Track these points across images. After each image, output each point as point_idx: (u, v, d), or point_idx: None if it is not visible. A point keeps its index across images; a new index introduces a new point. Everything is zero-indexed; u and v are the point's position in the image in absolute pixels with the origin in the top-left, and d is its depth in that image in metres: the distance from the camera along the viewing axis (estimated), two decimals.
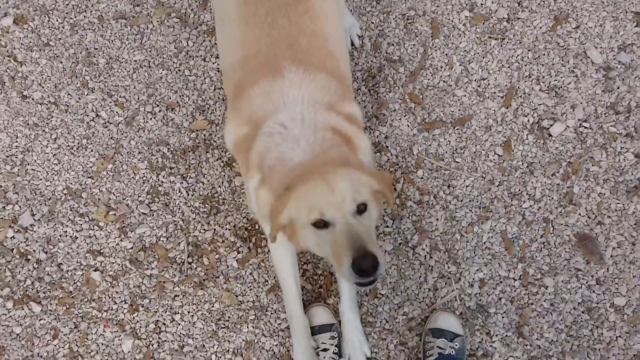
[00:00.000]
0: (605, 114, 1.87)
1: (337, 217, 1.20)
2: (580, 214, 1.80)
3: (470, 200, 1.83)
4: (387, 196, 1.33)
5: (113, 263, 1.82)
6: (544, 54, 1.93)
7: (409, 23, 1.99)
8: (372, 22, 2.00)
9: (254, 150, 1.38)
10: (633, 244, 1.77)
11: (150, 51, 2.01)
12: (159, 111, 1.95)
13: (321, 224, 1.22)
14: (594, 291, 1.75)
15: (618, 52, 1.92)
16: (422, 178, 1.85)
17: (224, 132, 1.51)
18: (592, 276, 1.76)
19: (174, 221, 1.84)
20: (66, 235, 1.84)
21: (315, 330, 1.67)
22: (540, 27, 1.96)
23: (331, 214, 1.21)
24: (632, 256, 1.77)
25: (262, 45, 1.43)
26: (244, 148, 1.42)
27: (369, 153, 1.48)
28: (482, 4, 2.00)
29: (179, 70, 1.99)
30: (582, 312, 1.74)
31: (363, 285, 1.24)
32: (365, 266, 1.16)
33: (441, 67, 1.94)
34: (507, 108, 1.89)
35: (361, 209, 1.23)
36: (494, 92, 1.91)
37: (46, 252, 1.84)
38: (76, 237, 1.84)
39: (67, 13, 2.06)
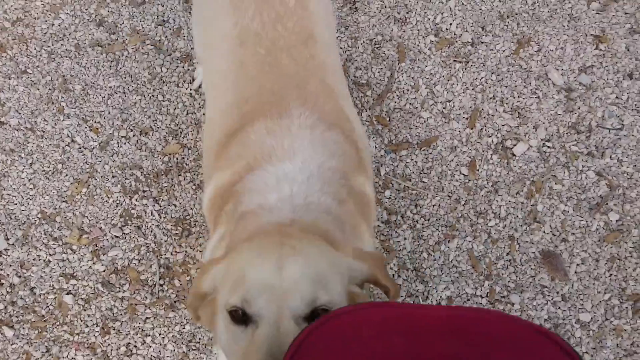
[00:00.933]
0: (567, 133, 1.93)
1: (266, 315, 0.79)
2: (544, 232, 1.84)
3: (437, 219, 1.87)
4: (382, 284, 0.94)
5: (85, 286, 1.84)
6: (507, 77, 2.00)
7: (376, 48, 2.05)
8: (341, 47, 2.06)
9: (236, 197, 1.08)
10: (597, 260, 1.81)
11: (124, 77, 2.06)
12: (133, 136, 1.99)
13: (240, 316, 0.81)
14: (559, 307, 1.78)
15: (579, 73, 1.99)
16: (389, 198, 1.89)
17: (202, 198, 1.26)
18: (558, 292, 1.79)
19: (146, 244, 1.87)
20: (39, 259, 1.87)
21: None
22: (504, 51, 2.03)
23: (260, 307, 0.80)
24: (596, 272, 1.80)
25: (263, 84, 1.23)
26: (220, 202, 1.12)
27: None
28: (447, 29, 2.06)
29: (153, 95, 2.04)
30: (549, 329, 1.76)
31: None
32: None
33: (407, 90, 2.00)
34: (471, 129, 1.94)
35: (319, 313, 0.80)
36: (459, 114, 1.96)
37: (20, 276, 1.86)
38: (49, 261, 1.86)
39: (44, 41, 2.12)
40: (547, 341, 0.64)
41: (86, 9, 2.15)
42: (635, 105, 1.93)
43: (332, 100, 1.26)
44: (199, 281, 0.92)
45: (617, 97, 1.94)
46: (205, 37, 1.50)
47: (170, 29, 2.12)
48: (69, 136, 2.00)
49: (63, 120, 2.02)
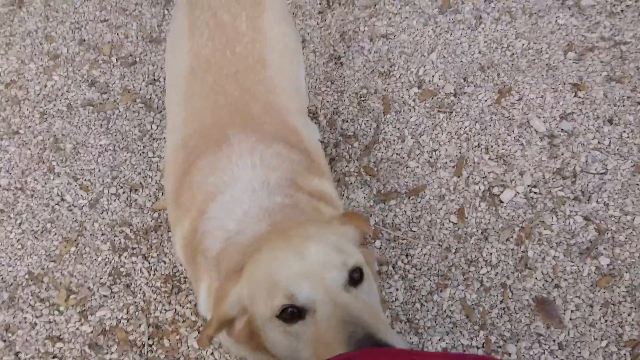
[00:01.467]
0: (552, 179, 1.95)
1: (317, 297, 0.82)
2: (536, 278, 1.83)
3: (428, 269, 1.86)
4: (365, 227, 1.01)
5: (72, 349, 1.79)
6: (490, 125, 2.04)
7: (362, 100, 2.11)
8: (327, 101, 2.11)
9: (201, 247, 1.08)
10: (591, 306, 1.79)
11: (115, 135, 2.09)
12: (123, 193, 2.00)
13: (294, 314, 0.83)
14: (556, 356, 1.75)
15: (560, 120, 2.03)
16: (380, 248, 1.89)
17: (174, 244, 1.26)
18: (554, 341, 1.76)
19: (135, 302, 1.84)
20: (26, 322, 1.83)
21: None
22: (486, 100, 2.08)
23: (307, 294, 0.82)
24: (591, 318, 1.78)
25: (208, 116, 1.23)
26: (191, 250, 1.12)
27: None
28: (429, 81, 2.13)
29: (143, 152, 2.06)
30: None
31: None
32: None
33: (394, 141, 2.03)
34: (458, 177, 1.97)
35: (355, 277, 0.86)
36: (446, 162, 1.99)
37: (4, 341, 1.81)
38: (36, 324, 1.82)
39: (37, 102, 2.16)
40: None
41: (79, 70, 2.21)
42: (617, 149, 1.96)
43: (277, 117, 1.27)
44: (222, 307, 0.91)
45: (599, 143, 1.98)
46: (167, 69, 1.51)
47: (160, 87, 2.17)
48: (58, 195, 2.01)
49: (53, 179, 2.03)
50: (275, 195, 1.10)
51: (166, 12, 2.29)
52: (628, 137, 1.98)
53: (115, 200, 1.99)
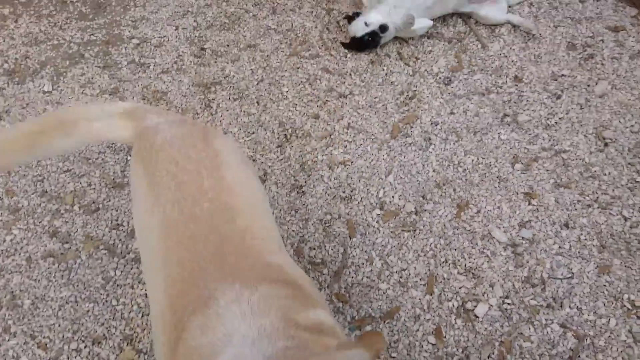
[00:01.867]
0: (522, 288, 1.96)
1: None
2: None
3: None
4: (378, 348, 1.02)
5: None
6: (454, 239, 2.08)
7: (327, 226, 2.14)
8: (293, 230, 2.13)
9: None
10: None
11: (77, 286, 2.02)
12: (85, 347, 1.89)
13: None
14: None
15: (519, 229, 2.10)
16: None
17: None
18: None
19: None
20: None
21: None
22: (446, 216, 2.15)
23: None
24: None
25: (188, 278, 1.20)
26: None
27: None
28: (390, 201, 2.19)
29: (107, 301, 1.98)
30: None
31: None
32: None
33: (362, 264, 2.04)
34: (430, 295, 1.95)
35: None
36: (416, 281, 1.99)
37: None
38: None
39: None
40: None
41: (40, 222, 2.19)
42: (579, 252, 2.02)
43: (254, 258, 1.24)
44: None
45: (560, 247, 2.03)
46: (138, 237, 1.46)
47: (124, 232, 2.15)
48: (14, 357, 1.87)
49: (9, 340, 1.90)
50: (276, 340, 1.06)
51: (129, 157, 2.35)
52: (586, 239, 2.05)
53: (76, 357, 1.86)
